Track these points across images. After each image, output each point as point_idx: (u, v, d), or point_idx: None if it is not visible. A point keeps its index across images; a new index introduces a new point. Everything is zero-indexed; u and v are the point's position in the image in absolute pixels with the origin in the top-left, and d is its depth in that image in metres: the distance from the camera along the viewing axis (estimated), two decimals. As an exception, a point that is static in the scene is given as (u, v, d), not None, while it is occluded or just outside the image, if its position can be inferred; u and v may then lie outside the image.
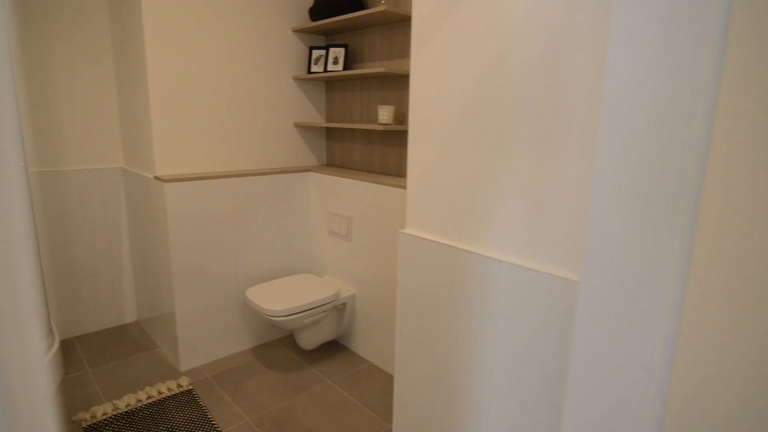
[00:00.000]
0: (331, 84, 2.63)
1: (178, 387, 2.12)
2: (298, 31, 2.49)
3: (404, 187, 2.00)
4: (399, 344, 1.59)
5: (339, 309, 2.40)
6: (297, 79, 2.53)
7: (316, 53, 2.48)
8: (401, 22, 2.14)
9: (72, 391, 2.08)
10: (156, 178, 2.12)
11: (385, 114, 2.11)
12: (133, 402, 1.99)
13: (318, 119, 2.68)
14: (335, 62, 2.36)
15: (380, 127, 2.07)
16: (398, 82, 2.20)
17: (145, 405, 1.98)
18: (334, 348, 2.50)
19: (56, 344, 2.24)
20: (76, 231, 2.50)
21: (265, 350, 2.48)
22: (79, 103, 2.40)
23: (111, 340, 2.55)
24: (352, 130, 2.53)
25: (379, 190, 2.16)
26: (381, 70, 2.01)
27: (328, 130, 2.71)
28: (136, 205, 2.47)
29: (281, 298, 2.16)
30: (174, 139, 2.16)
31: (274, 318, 2.07)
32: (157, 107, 2.08)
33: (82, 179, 2.47)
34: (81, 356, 2.38)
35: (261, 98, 2.41)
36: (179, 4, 2.07)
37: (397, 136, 2.27)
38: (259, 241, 2.44)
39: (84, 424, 1.85)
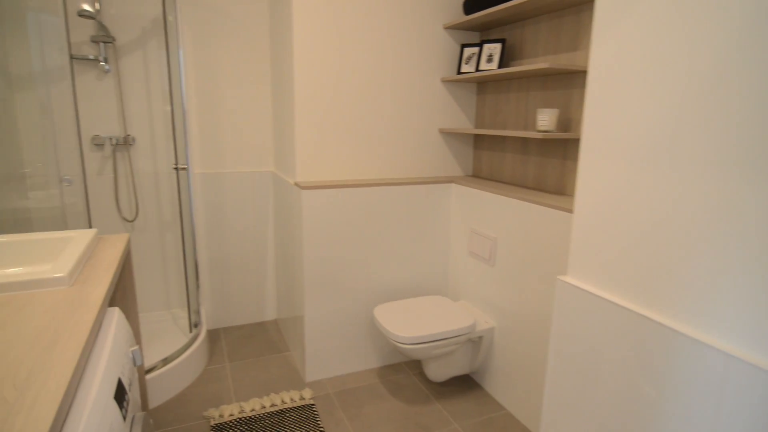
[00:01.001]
0: (482, 86, 2.34)
1: (300, 399, 2.06)
2: (449, 28, 2.26)
3: (565, 209, 1.61)
4: (547, 404, 1.24)
5: (474, 342, 2.10)
6: (445, 81, 2.31)
7: (468, 51, 2.22)
8: (574, 7, 1.76)
9: (210, 384, 2.17)
10: (296, 184, 2.10)
11: (546, 119, 1.75)
12: (257, 407, 1.98)
13: (466, 125, 2.41)
14: (489, 60, 2.07)
15: (539, 135, 1.72)
16: (565, 80, 1.82)
17: (268, 413, 1.95)
18: (465, 384, 2.21)
19: (203, 334, 2.38)
20: (230, 227, 2.65)
21: (391, 373, 2.30)
22: (240, 114, 2.53)
23: (251, 336, 2.65)
24: (504, 137, 2.20)
25: (532, 209, 1.80)
26: (544, 66, 1.66)
27: (477, 137, 2.42)
28: (281, 208, 2.52)
29: (410, 322, 1.95)
30: (315, 146, 2.11)
31: (400, 344, 1.87)
32: (300, 114, 2.06)
33: (238, 181, 2.61)
34: (224, 348, 2.51)
35: (405, 103, 2.24)
36: (327, 13, 2.01)
37: (559, 146, 1.88)
38: (393, 255, 2.28)
39: (212, 422, 1.89)
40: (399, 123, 2.25)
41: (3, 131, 1.97)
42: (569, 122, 1.81)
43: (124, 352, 1.00)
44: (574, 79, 1.78)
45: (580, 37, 1.74)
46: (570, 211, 1.62)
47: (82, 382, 0.81)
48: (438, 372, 2.10)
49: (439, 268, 2.40)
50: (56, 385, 0.70)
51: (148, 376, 1.96)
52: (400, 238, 2.27)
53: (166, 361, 2.08)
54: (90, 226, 1.84)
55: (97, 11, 2.18)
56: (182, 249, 2.58)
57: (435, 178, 2.35)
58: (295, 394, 2.08)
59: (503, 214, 1.97)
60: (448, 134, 2.38)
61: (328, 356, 2.24)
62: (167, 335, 2.37)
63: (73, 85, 1.77)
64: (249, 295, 2.79)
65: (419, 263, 2.35)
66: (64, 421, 0.71)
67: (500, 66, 2.03)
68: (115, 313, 1.09)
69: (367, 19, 2.08)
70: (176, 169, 2.38)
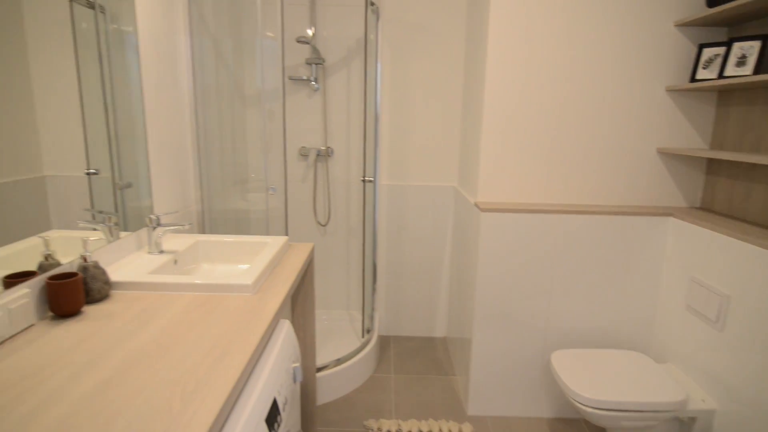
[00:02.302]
0: (726, 96, 1.83)
1: (459, 433, 1.93)
2: (683, 25, 1.83)
3: None
4: None
5: (683, 423, 1.65)
6: (672, 90, 1.88)
7: (708, 52, 1.76)
8: None
9: (374, 392, 2.22)
10: (476, 204, 1.98)
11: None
12: (414, 430, 1.93)
13: (696, 144, 1.93)
14: (740, 63, 1.60)
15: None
16: None
17: (424, 439, 1.88)
18: (664, 468, 1.76)
19: (374, 340, 2.45)
20: (409, 239, 2.68)
21: (565, 428, 1.99)
22: (429, 128, 2.53)
23: (419, 350, 2.63)
24: (755, 165, 1.67)
25: (793, 267, 1.31)
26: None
27: (712, 161, 1.91)
28: (459, 226, 2.43)
29: (596, 380, 1.64)
30: (500, 164, 1.95)
31: (580, 405, 1.58)
32: (488, 128, 1.92)
33: (421, 194, 2.61)
34: (391, 358, 2.55)
35: (614, 116, 1.90)
36: (526, 20, 1.82)
37: None
38: (583, 294, 1.96)
39: (370, 434, 1.91)
40: (604, 140, 1.92)
41: (238, 141, 2.35)
42: None
43: (285, 369, 1.03)
44: None
45: None
46: None
47: (239, 399, 0.84)
48: (627, 446, 1.72)
49: (641, 318, 1.98)
50: (213, 403, 0.74)
51: (319, 374, 2.10)
52: (593, 276, 1.94)
53: (338, 362, 2.19)
54: (287, 229, 2.05)
55: (312, 36, 2.42)
56: (362, 255, 2.71)
57: (647, 208, 1.94)
58: (454, 426, 1.96)
59: (743, 264, 1.49)
60: (670, 155, 1.94)
61: (494, 391, 2.06)
62: (342, 335, 2.51)
63: (284, 102, 2.01)
64: (421, 307, 2.78)
65: (615, 309, 1.97)
66: (214, 442, 0.73)
67: (757, 71, 1.54)
68: (285, 327, 1.14)
69: (574, 20, 1.82)
70: (364, 181, 2.51)
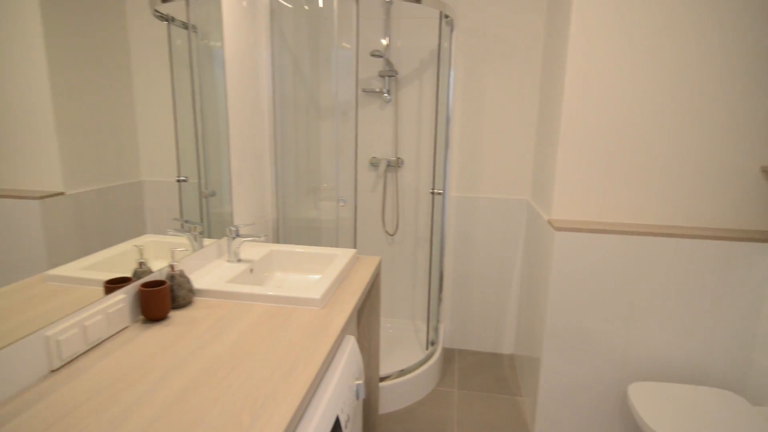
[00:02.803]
0: None
1: (523, 459, 1.86)
2: (799, 30, 1.63)
3: None
4: None
5: (783, 476, 1.47)
6: (781, 103, 1.68)
7: (829, 61, 1.55)
8: None
9: (436, 407, 2.20)
10: (549, 221, 1.90)
11: None
12: (477, 451, 1.89)
13: (810, 163, 1.71)
14: None
15: None
16: None
17: (487, 461, 1.84)
18: None
19: (438, 353, 2.43)
20: (477, 252, 2.63)
21: (643, 466, 1.85)
22: (501, 140, 2.47)
23: (484, 366, 2.57)
24: None
25: None
26: None
27: (829, 180, 1.68)
28: (531, 242, 2.34)
29: (680, 419, 1.51)
30: (578, 181, 1.85)
31: (658, 444, 1.46)
32: (565, 143, 1.83)
33: (491, 206, 2.55)
34: (455, 372, 2.51)
35: (710, 129, 1.74)
36: (614, 22, 1.71)
37: None
38: (666, 322, 1.81)
39: (431, 450, 1.89)
40: (698, 156, 1.76)
41: (312, 151, 2.45)
42: None
43: (348, 386, 1.05)
44: None
45: None
46: None
47: (304, 416, 0.87)
48: (714, 495, 1.56)
49: (735, 354, 1.79)
50: (279, 420, 0.77)
51: (382, 384, 2.12)
52: (680, 304, 1.79)
53: (402, 372, 2.20)
54: (356, 240, 2.09)
55: (386, 48, 2.46)
56: (429, 265, 2.69)
57: (747, 232, 1.75)
58: (518, 451, 1.89)
59: None
60: (776, 174, 1.74)
61: (563, 417, 1.96)
62: (406, 345, 2.52)
63: (356, 114, 2.06)
64: (487, 322, 2.71)
65: (704, 342, 1.80)
66: (279, 458, 0.77)
67: None
68: (350, 343, 1.17)
69: (666, 24, 1.69)
70: (433, 193, 2.50)
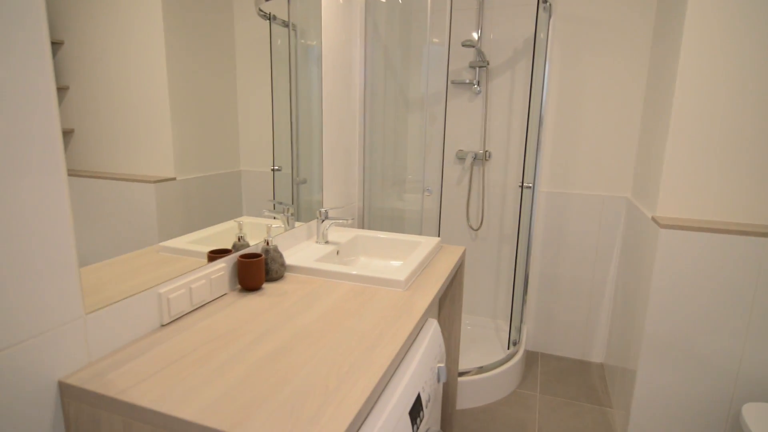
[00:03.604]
0: None
1: (612, 473, 1.73)
2: None
3: None
4: None
5: None
6: None
7: None
8: None
9: (516, 408, 2.12)
10: (653, 218, 1.74)
11: None
12: (560, 458, 1.79)
13: None
14: None
15: None
16: None
17: (570, 471, 1.73)
18: None
19: (521, 354, 2.34)
20: (568, 251, 2.48)
21: (758, 501, 1.63)
22: (600, 134, 2.31)
23: (570, 372, 2.43)
24: None
25: None
26: None
27: None
28: (630, 242, 2.16)
29: (807, 449, 1.31)
30: (689, 174, 1.68)
31: (780, 475, 1.28)
32: (676, 134, 1.67)
33: (586, 204, 2.40)
34: (538, 375, 2.39)
35: None
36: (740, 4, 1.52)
37: None
38: (794, 339, 1.58)
39: (510, 452, 1.82)
40: (842, 151, 1.51)
41: (399, 144, 2.47)
42: None
43: (430, 367, 1.04)
44: None
45: None
46: None
47: (386, 389, 0.88)
48: None
49: None
50: (364, 387, 0.78)
51: (461, 379, 2.08)
52: (811, 319, 1.55)
53: (481, 369, 2.14)
54: (439, 230, 2.08)
55: (478, 39, 2.41)
56: (514, 263, 2.60)
57: None
58: (607, 465, 1.76)
59: None
60: None
61: (660, 437, 1.79)
62: (486, 344, 2.45)
63: (445, 106, 2.04)
64: (576, 327, 2.55)
65: (844, 364, 1.54)
66: (362, 424, 0.78)
67: None
68: (432, 326, 1.16)
69: (808, 3, 1.47)
70: (521, 187, 2.40)
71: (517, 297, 2.42)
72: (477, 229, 2.65)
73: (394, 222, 2.30)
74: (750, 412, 1.47)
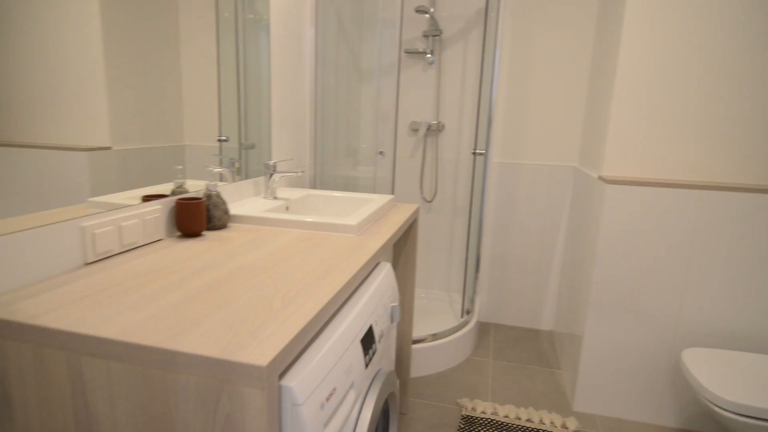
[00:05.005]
0: None
1: (562, 427, 1.76)
2: None
3: None
4: None
5: None
6: None
7: None
8: None
9: (470, 374, 2.12)
10: (600, 178, 1.78)
11: None
12: (512, 415, 1.81)
13: None
14: None
15: None
16: None
17: (522, 426, 1.75)
18: None
19: (473, 323, 2.36)
20: (519, 222, 2.52)
21: (695, 444, 1.71)
22: (549, 105, 2.35)
23: (521, 340, 2.47)
24: None
25: None
26: None
27: None
28: (577, 208, 2.22)
29: (741, 384, 1.38)
30: (632, 134, 1.73)
31: (717, 409, 1.34)
32: (620, 95, 1.72)
33: (535, 173, 2.45)
34: (491, 343, 2.42)
35: (785, 80, 1.58)
36: (681, -42, 1.58)
37: None
38: (727, 288, 1.67)
39: (463, 412, 1.82)
40: (764, 106, 1.61)
41: (352, 115, 2.41)
42: None
43: (383, 305, 1.00)
44: None
45: None
46: None
47: (336, 316, 0.83)
48: (778, 473, 1.42)
49: (806, 324, 1.63)
50: (310, 309, 0.73)
51: (415, 347, 2.06)
52: (743, 268, 1.64)
53: (435, 337, 2.14)
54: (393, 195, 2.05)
55: (432, 6, 2.39)
56: (467, 236, 2.61)
57: (822, 191, 1.59)
58: (556, 419, 1.79)
59: None
60: None
61: (606, 390, 1.84)
62: (440, 314, 2.45)
63: (398, 76, 2.01)
64: (526, 297, 2.60)
65: (770, 309, 1.65)
66: (311, 343, 0.73)
67: None
68: (385, 268, 1.12)
69: (739, -33, 1.55)
70: (474, 154, 2.41)
71: (470, 269, 2.44)
72: (430, 201, 2.65)
73: (347, 189, 2.25)
74: (689, 356, 1.54)
